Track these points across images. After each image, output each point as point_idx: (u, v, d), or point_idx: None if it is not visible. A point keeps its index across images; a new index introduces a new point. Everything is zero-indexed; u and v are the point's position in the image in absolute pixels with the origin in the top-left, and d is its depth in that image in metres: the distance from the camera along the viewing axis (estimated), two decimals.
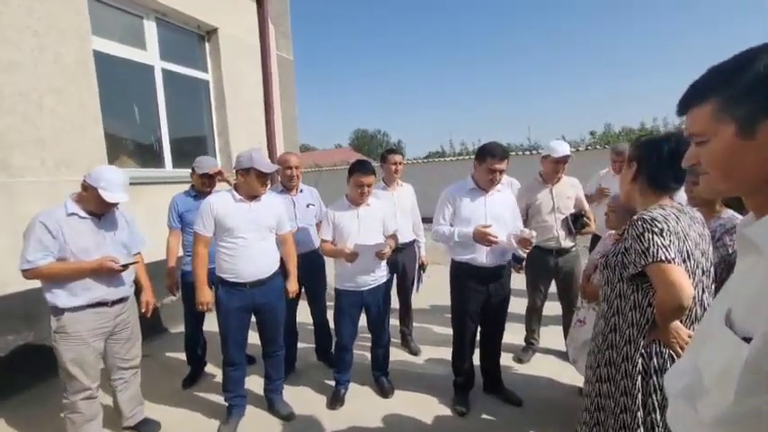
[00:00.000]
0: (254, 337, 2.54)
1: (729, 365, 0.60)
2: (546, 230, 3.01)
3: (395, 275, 3.33)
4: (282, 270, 2.53)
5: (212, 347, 2.96)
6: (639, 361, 1.38)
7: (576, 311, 2.46)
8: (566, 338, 3.08)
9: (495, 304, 2.55)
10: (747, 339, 0.59)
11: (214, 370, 3.07)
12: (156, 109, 4.03)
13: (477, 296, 2.50)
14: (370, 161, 2.71)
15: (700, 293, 1.37)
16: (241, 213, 2.25)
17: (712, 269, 1.42)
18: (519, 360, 3.19)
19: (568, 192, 3.06)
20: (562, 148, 2.94)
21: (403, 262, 3.29)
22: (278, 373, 2.59)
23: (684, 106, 0.74)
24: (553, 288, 3.18)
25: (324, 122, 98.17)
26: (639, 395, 1.37)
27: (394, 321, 3.46)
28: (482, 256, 2.43)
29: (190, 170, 2.90)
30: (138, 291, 2.35)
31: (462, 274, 2.52)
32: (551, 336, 3.38)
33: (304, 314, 3.21)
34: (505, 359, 2.97)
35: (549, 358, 3.22)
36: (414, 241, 3.37)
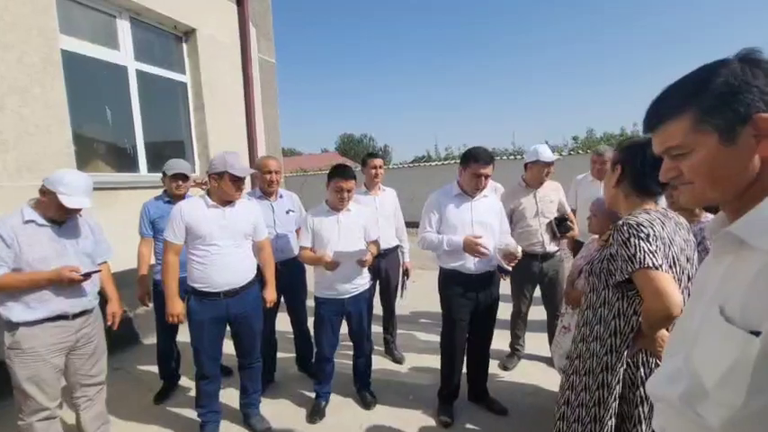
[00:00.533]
0: (231, 348, 2.43)
1: (737, 362, 0.59)
2: (530, 235, 2.98)
3: (377, 282, 3.26)
4: (260, 278, 2.43)
5: (187, 360, 2.83)
6: (621, 370, 1.35)
7: (560, 318, 2.43)
8: (551, 344, 3.05)
9: (484, 311, 2.50)
10: (755, 333, 0.58)
11: (189, 383, 2.93)
12: (129, 111, 3.88)
13: (467, 304, 2.44)
14: (350, 166, 2.63)
15: (685, 299, 1.33)
16: (214, 219, 2.14)
17: (694, 272, 1.39)
18: (504, 367, 3.14)
19: (551, 196, 3.04)
20: (548, 153, 2.93)
21: (386, 268, 3.22)
22: (254, 385, 2.47)
23: (657, 122, 0.76)
24: (538, 293, 3.15)
25: (310, 127, 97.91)
26: (614, 404, 1.34)
27: (377, 329, 3.39)
28: (470, 263, 2.39)
29: (161, 174, 2.77)
30: (104, 302, 2.22)
31: (451, 283, 2.47)
32: (537, 342, 3.34)
33: (284, 323, 3.10)
34: (491, 366, 2.91)
35: (534, 365, 3.18)
36: (397, 247, 3.31)
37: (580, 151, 10.80)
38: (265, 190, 2.82)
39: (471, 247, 2.28)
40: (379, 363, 3.25)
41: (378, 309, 3.35)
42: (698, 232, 1.85)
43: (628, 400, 1.34)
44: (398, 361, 3.32)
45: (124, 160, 3.92)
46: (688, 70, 0.72)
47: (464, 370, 2.66)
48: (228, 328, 2.32)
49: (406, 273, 3.41)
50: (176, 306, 2.18)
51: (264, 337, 2.70)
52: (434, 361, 2.65)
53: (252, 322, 2.32)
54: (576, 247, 3.32)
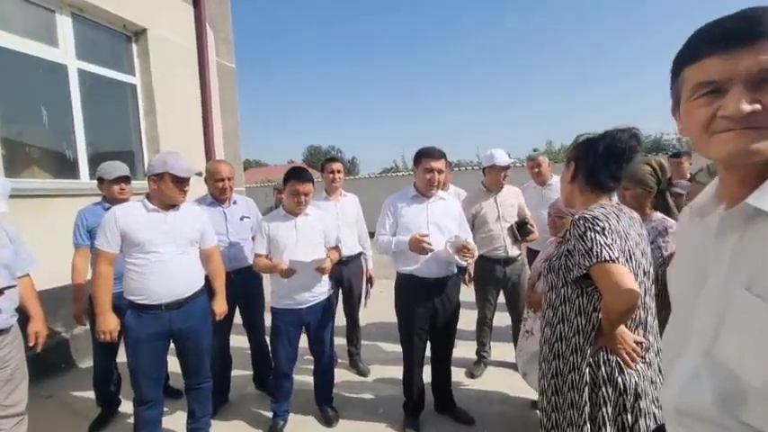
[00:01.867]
0: (179, 367, 2.21)
1: None
2: (493, 239, 2.97)
3: (340, 291, 3.13)
4: (209, 289, 2.25)
5: (129, 383, 2.56)
6: (587, 371, 1.30)
7: (523, 322, 2.40)
8: (516, 350, 3.03)
9: (444, 318, 2.42)
10: None
11: (130, 409, 2.64)
12: (69, 112, 3.58)
13: (424, 310, 2.36)
14: (306, 168, 2.52)
15: (642, 295, 1.31)
16: (155, 225, 1.95)
17: (651, 270, 1.39)
18: (471, 375, 3.08)
19: (511, 200, 3.06)
20: (504, 157, 2.96)
21: (348, 276, 3.09)
22: (203, 408, 2.26)
23: (761, 32, 0.56)
24: (502, 299, 3.13)
25: (276, 138, 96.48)
26: (587, 408, 1.29)
27: (340, 340, 3.25)
28: (426, 267, 2.31)
29: (96, 180, 2.53)
30: (25, 321, 1.96)
31: (407, 287, 2.38)
32: (503, 348, 3.31)
33: (241, 338, 2.90)
34: (457, 374, 2.85)
35: (500, 371, 3.14)
36: (360, 254, 3.20)
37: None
38: (217, 197, 2.65)
39: (417, 245, 2.20)
40: (343, 376, 3.11)
41: (341, 319, 3.22)
42: (650, 231, 1.87)
43: (591, 402, 1.30)
44: (363, 374, 3.18)
45: (63, 165, 3.60)
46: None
47: (429, 380, 2.57)
48: (173, 345, 2.12)
49: (369, 280, 3.30)
50: (109, 321, 1.95)
51: (216, 354, 2.50)
52: (401, 372, 2.53)
53: (199, 337, 2.12)
54: (530, 255, 3.34)
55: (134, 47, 4.13)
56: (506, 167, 2.96)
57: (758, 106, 0.56)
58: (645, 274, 1.33)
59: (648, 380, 1.30)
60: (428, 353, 2.53)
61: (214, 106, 4.83)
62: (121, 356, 2.59)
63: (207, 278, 2.25)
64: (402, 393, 2.53)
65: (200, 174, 2.06)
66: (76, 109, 3.62)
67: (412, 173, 2.51)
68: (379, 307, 3.58)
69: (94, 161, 3.72)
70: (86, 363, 3.38)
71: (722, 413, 0.57)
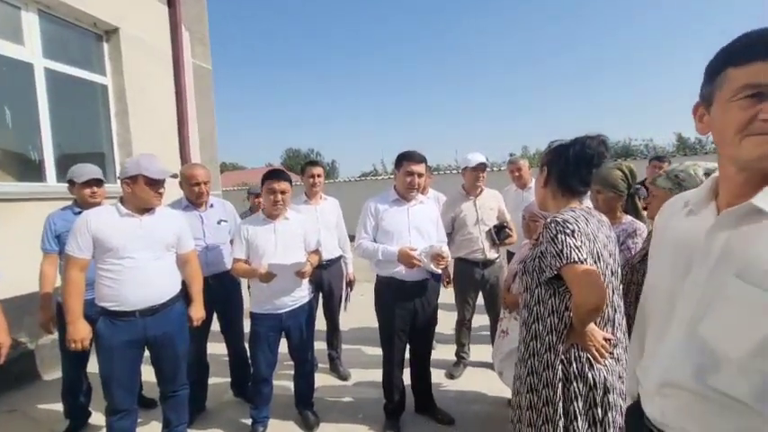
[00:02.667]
0: (152, 375, 2.15)
1: None
2: (471, 242, 3.03)
3: (320, 295, 3.12)
4: (186, 294, 2.20)
5: (100, 393, 2.47)
6: (560, 368, 1.36)
7: (499, 322, 2.46)
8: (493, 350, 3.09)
9: (423, 320, 2.45)
10: None
11: (101, 420, 2.55)
12: (35, 113, 3.44)
13: (404, 312, 2.38)
14: (283, 169, 2.51)
15: (610, 294, 1.38)
16: (129, 229, 1.90)
17: (619, 270, 1.46)
18: (450, 376, 3.13)
19: (491, 203, 3.13)
20: (475, 158, 3.02)
21: (328, 280, 3.09)
22: (179, 417, 2.20)
23: (752, 55, 0.64)
24: (481, 301, 3.19)
25: (253, 141, 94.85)
26: (561, 403, 1.35)
27: (321, 345, 3.23)
28: (405, 270, 2.33)
29: (67, 183, 2.44)
30: None
31: (387, 290, 2.40)
32: (482, 349, 3.37)
33: (218, 345, 2.84)
34: (437, 375, 2.88)
35: (479, 371, 3.19)
36: (340, 257, 3.20)
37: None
38: (193, 201, 2.60)
39: (406, 260, 2.23)
40: (324, 380, 3.09)
41: (321, 324, 3.20)
42: (620, 233, 1.96)
43: (564, 397, 1.35)
44: (344, 377, 3.17)
45: (28, 168, 3.45)
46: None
47: (409, 381, 2.60)
48: (148, 352, 2.06)
49: (349, 284, 3.30)
50: (80, 330, 1.88)
51: (193, 361, 2.45)
52: (381, 375, 2.55)
53: (175, 344, 2.07)
54: (509, 257, 3.43)
55: (105, 46, 4.01)
56: (480, 168, 3.02)
57: None
58: (612, 273, 1.40)
59: (616, 374, 1.36)
60: (408, 355, 2.56)
61: (190, 108, 4.74)
62: (92, 366, 2.51)
63: (184, 283, 2.21)
64: (382, 396, 2.55)
65: (174, 175, 2.01)
66: (43, 109, 3.48)
67: (392, 176, 2.53)
68: (359, 310, 3.59)
69: (63, 163, 3.59)
70: (53, 374, 3.24)
71: (697, 382, 0.68)
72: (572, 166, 1.38)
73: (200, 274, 2.29)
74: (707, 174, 1.51)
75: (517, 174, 3.60)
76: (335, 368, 3.24)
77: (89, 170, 2.40)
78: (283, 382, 2.86)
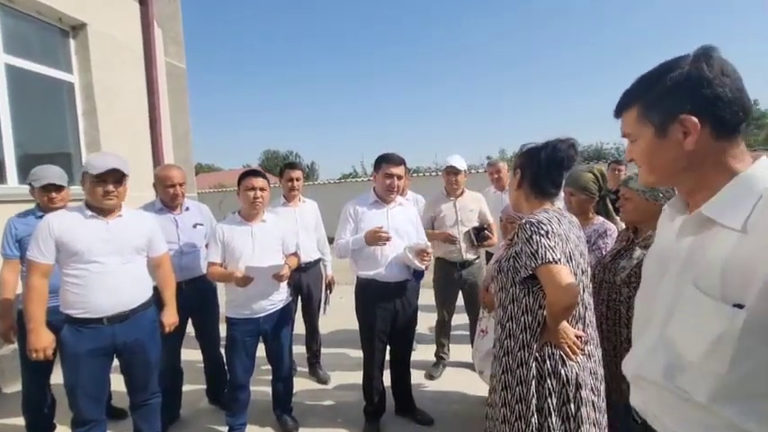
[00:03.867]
0: (121, 384, 2.06)
1: (723, 334, 0.64)
2: (449, 243, 3.06)
3: (299, 298, 3.08)
4: (158, 299, 2.13)
5: (65, 404, 2.35)
6: (534, 365, 1.38)
7: (478, 322, 2.49)
8: (472, 349, 3.13)
9: (403, 321, 2.46)
10: (738, 306, 0.63)
11: None
12: None
13: (384, 314, 2.38)
14: (260, 170, 2.47)
15: (581, 292, 1.42)
16: (94, 233, 1.82)
17: (589, 269, 1.51)
18: (430, 376, 3.14)
19: (471, 205, 3.15)
20: (452, 160, 3.07)
21: (307, 283, 3.05)
22: (151, 426, 2.12)
23: (618, 111, 0.84)
24: (461, 301, 3.22)
25: (230, 141, 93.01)
26: (534, 400, 1.37)
27: (300, 348, 3.19)
28: (386, 271, 2.34)
29: (28, 186, 2.31)
30: None
31: (367, 292, 2.40)
32: (461, 349, 3.41)
33: (193, 351, 2.76)
34: (416, 377, 2.89)
35: (459, 372, 3.22)
36: (319, 260, 3.17)
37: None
38: (168, 204, 2.52)
39: (372, 236, 2.24)
40: (303, 384, 3.05)
41: (300, 327, 3.17)
42: (591, 234, 2.02)
43: (538, 394, 1.37)
44: (323, 381, 3.14)
45: None
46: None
47: (389, 383, 2.59)
48: (117, 361, 1.98)
49: (328, 286, 3.27)
50: (42, 338, 1.78)
51: (166, 368, 2.37)
52: (361, 377, 2.53)
53: (146, 351, 2.00)
54: (488, 258, 3.48)
55: (72, 42, 3.85)
56: (450, 171, 3.06)
57: (629, 156, 0.85)
58: (583, 273, 1.44)
59: (588, 371, 1.40)
60: (388, 357, 2.56)
61: (163, 108, 4.60)
62: (57, 377, 2.39)
63: (156, 288, 2.13)
64: (362, 398, 2.53)
65: (117, 172, 1.84)
66: (3, 107, 3.30)
67: (372, 179, 2.53)
68: (339, 313, 3.56)
69: (25, 164, 3.41)
70: (13, 387, 3.07)
71: (666, 380, 0.75)
72: (544, 169, 1.43)
73: (173, 278, 2.22)
74: None
75: (496, 176, 3.66)
76: (315, 371, 3.20)
77: (50, 173, 2.25)
78: (261, 387, 2.80)
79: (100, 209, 1.86)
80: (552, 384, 1.36)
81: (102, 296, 1.83)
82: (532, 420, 1.36)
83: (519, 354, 1.41)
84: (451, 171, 3.06)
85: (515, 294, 1.44)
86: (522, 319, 1.41)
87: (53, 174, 2.27)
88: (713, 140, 0.72)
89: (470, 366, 3.19)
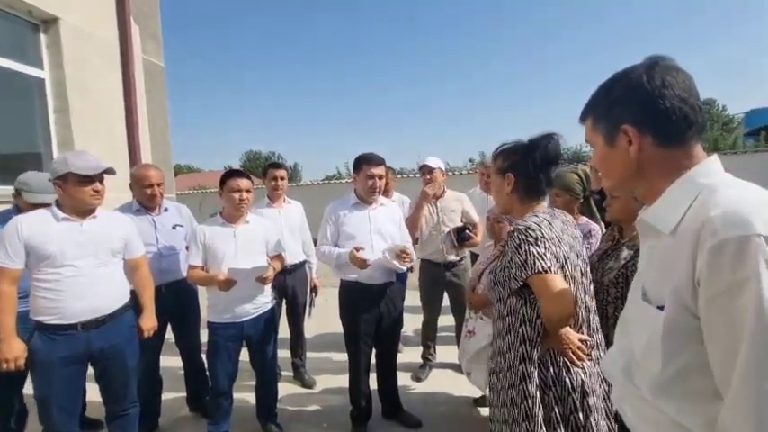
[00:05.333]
0: (96, 394, 1.97)
1: (652, 335, 0.70)
2: (431, 244, 3.05)
3: (284, 301, 3.02)
4: (136, 303, 2.05)
5: (35, 416, 2.23)
6: (536, 374, 1.32)
7: (465, 323, 2.49)
8: (459, 350, 3.12)
9: (388, 324, 2.43)
10: (661, 308, 0.69)
11: None
12: None
13: (369, 316, 2.36)
14: (243, 170, 2.41)
15: (582, 295, 1.37)
16: (67, 235, 1.73)
17: (588, 269, 1.45)
18: (417, 378, 3.12)
19: (453, 205, 3.14)
20: (431, 161, 3.07)
21: (292, 285, 3.00)
22: None
23: (581, 119, 0.90)
24: (447, 302, 3.22)
25: (210, 142, 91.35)
26: (540, 412, 1.31)
27: (284, 353, 3.13)
28: (369, 274, 2.31)
29: (13, 189, 2.19)
30: None
31: (351, 295, 2.37)
32: (447, 350, 3.40)
33: (172, 357, 2.67)
34: (403, 379, 2.87)
35: (445, 373, 3.22)
36: (304, 262, 3.12)
37: (476, 171, 11.82)
38: (146, 205, 2.42)
39: (354, 261, 2.19)
40: (288, 389, 2.99)
41: (285, 331, 3.10)
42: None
43: (543, 404, 1.32)
44: (309, 385, 3.09)
45: None
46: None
47: (375, 386, 2.57)
48: (92, 369, 1.89)
49: (314, 289, 3.22)
50: (14, 348, 1.68)
51: (144, 375, 2.28)
52: (348, 381, 2.50)
53: (124, 358, 1.91)
54: (473, 258, 3.48)
55: (42, 37, 3.68)
56: (424, 170, 3.06)
57: (591, 162, 0.97)
58: (582, 274, 1.39)
59: (596, 377, 1.34)
60: (374, 360, 2.53)
61: (140, 106, 4.45)
62: (26, 387, 2.26)
63: (134, 292, 2.05)
64: (349, 402, 2.50)
65: (110, 171, 1.81)
66: None
67: (353, 180, 2.50)
68: (324, 316, 3.51)
69: None
70: None
71: (623, 376, 0.81)
72: (540, 169, 1.37)
73: (152, 280, 2.13)
74: None
75: (486, 178, 3.63)
76: (300, 376, 3.15)
77: (43, 187, 2.08)
78: (244, 394, 2.73)
79: (74, 210, 1.78)
80: (557, 392, 1.31)
81: (77, 301, 1.74)
82: (526, 426, 1.30)
83: (520, 368, 1.34)
84: (425, 170, 3.05)
85: (513, 305, 1.38)
86: (521, 331, 1.35)
87: (46, 188, 2.06)
88: (658, 148, 0.75)
89: (457, 367, 3.19)
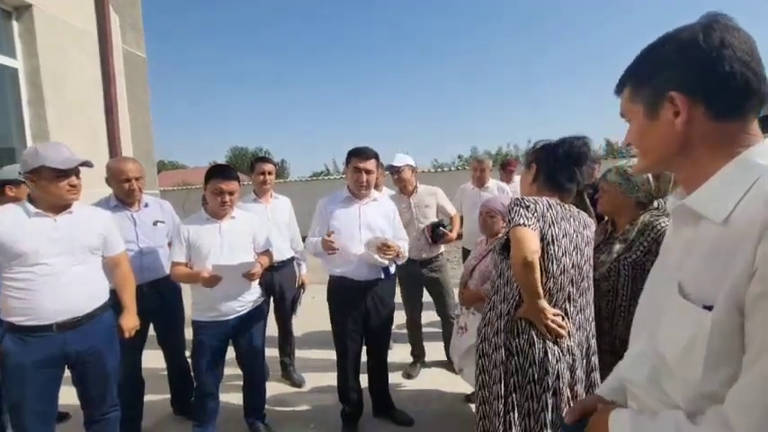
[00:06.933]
0: (72, 397, 1.88)
1: (694, 338, 0.59)
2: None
3: (272, 299, 2.95)
4: (116, 302, 1.95)
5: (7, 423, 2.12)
6: (502, 336, 1.43)
7: (456, 319, 2.46)
8: (446, 348, 3.11)
9: (377, 321, 2.39)
10: (708, 307, 0.58)
11: None
12: None
13: (356, 313, 2.31)
14: (230, 165, 2.32)
15: (567, 284, 1.41)
16: (41, 232, 1.64)
17: (588, 269, 1.49)
18: (408, 375, 3.09)
19: (427, 201, 3.10)
20: (399, 159, 3.04)
21: (280, 282, 2.92)
22: None
23: (616, 89, 0.78)
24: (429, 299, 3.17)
25: (195, 138, 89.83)
26: (502, 368, 1.43)
27: (272, 351, 3.06)
28: (357, 270, 2.26)
29: None
30: None
31: (339, 291, 2.33)
32: (438, 347, 3.37)
33: (155, 358, 2.58)
34: (393, 376, 2.83)
35: (436, 370, 3.19)
36: (292, 259, 3.05)
37: (466, 167, 11.86)
38: (124, 200, 2.32)
39: (324, 245, 2.20)
40: (276, 389, 2.93)
41: (273, 329, 3.03)
42: None
43: (506, 369, 1.43)
44: (298, 384, 3.03)
45: None
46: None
47: (366, 384, 2.53)
48: (69, 371, 1.79)
49: (301, 286, 3.15)
50: None
51: (126, 378, 2.19)
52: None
53: (103, 360, 1.82)
54: (465, 254, 3.45)
55: (15, 25, 3.51)
56: (394, 170, 3.03)
57: (627, 139, 0.77)
58: (574, 266, 1.43)
59: (565, 363, 1.41)
60: (364, 358, 2.49)
61: (120, 99, 4.29)
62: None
63: (114, 291, 1.96)
64: (339, 401, 2.45)
65: (87, 164, 1.72)
66: None
67: (344, 176, 2.45)
68: (313, 313, 3.45)
69: None
70: None
71: (649, 384, 0.69)
72: (560, 163, 1.47)
73: (132, 278, 2.04)
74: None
75: (479, 173, 3.62)
76: (289, 375, 3.08)
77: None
78: (231, 394, 2.66)
79: (48, 205, 1.68)
80: (518, 362, 1.41)
81: (51, 301, 1.65)
82: (496, 390, 1.42)
83: (497, 323, 1.46)
84: (392, 170, 3.04)
85: (503, 269, 1.49)
86: (503, 291, 1.47)
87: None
88: (711, 121, 0.64)
89: (444, 364, 3.16)
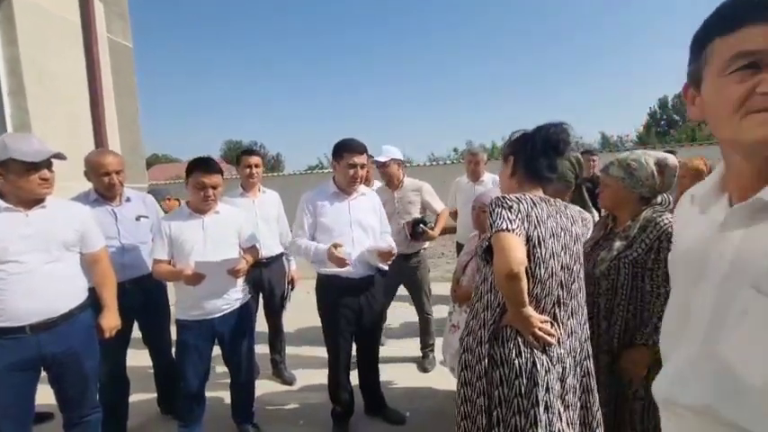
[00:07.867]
0: (49, 397, 1.81)
1: None
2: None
3: (261, 296, 2.88)
4: (96, 301, 1.88)
5: None
6: (486, 347, 1.33)
7: (448, 316, 2.41)
8: (421, 341, 3.12)
9: (369, 318, 2.33)
10: None
11: None
12: None
13: (348, 312, 2.25)
14: (213, 158, 2.23)
15: (556, 290, 1.32)
16: (11, 228, 1.55)
17: (578, 269, 1.39)
18: (424, 369, 3.08)
19: (410, 197, 3.03)
20: (384, 154, 2.97)
21: (269, 279, 2.85)
22: None
23: (740, 19, 0.55)
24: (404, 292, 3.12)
25: (189, 131, 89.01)
26: (483, 380, 1.34)
27: (263, 349, 3.00)
28: (351, 267, 2.18)
29: None
30: None
31: (330, 289, 2.25)
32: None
33: (141, 357, 2.51)
34: (387, 374, 2.78)
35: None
36: (282, 254, 2.97)
37: (461, 161, 11.80)
38: (104, 194, 2.23)
39: (333, 260, 2.07)
40: (266, 387, 2.88)
41: (263, 326, 2.97)
42: None
43: (487, 379, 1.33)
44: (288, 382, 2.98)
45: None
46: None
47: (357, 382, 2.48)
48: (45, 373, 1.72)
49: (291, 283, 3.07)
50: None
51: (109, 379, 2.14)
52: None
53: (81, 361, 1.75)
54: (458, 249, 3.40)
55: None
56: (378, 165, 2.97)
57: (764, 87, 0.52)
58: (563, 268, 1.33)
59: (555, 374, 1.30)
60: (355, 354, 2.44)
61: (105, 88, 4.16)
62: None
63: (94, 289, 1.88)
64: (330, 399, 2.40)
65: (59, 156, 1.64)
66: None
67: (333, 169, 2.34)
68: (304, 310, 3.38)
69: None
70: None
71: (706, 409, 0.57)
72: (539, 152, 1.37)
73: (113, 275, 1.96)
74: (658, 164, 1.53)
75: (473, 166, 3.53)
76: (279, 373, 3.03)
77: None
78: (218, 393, 2.60)
79: (18, 200, 1.59)
80: (504, 372, 1.30)
81: (24, 301, 1.57)
82: (479, 403, 1.33)
83: (479, 332, 1.37)
84: (378, 165, 2.98)
85: (486, 274, 1.40)
86: (486, 298, 1.38)
87: None
88: None
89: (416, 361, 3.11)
